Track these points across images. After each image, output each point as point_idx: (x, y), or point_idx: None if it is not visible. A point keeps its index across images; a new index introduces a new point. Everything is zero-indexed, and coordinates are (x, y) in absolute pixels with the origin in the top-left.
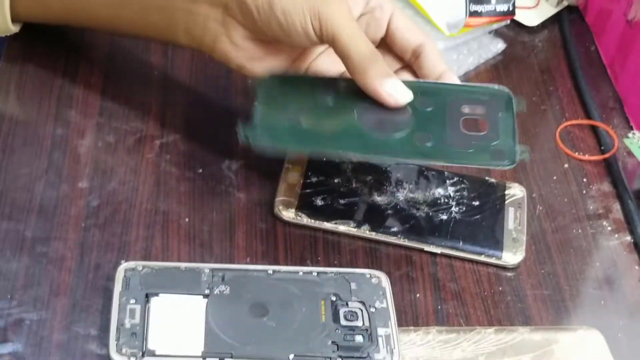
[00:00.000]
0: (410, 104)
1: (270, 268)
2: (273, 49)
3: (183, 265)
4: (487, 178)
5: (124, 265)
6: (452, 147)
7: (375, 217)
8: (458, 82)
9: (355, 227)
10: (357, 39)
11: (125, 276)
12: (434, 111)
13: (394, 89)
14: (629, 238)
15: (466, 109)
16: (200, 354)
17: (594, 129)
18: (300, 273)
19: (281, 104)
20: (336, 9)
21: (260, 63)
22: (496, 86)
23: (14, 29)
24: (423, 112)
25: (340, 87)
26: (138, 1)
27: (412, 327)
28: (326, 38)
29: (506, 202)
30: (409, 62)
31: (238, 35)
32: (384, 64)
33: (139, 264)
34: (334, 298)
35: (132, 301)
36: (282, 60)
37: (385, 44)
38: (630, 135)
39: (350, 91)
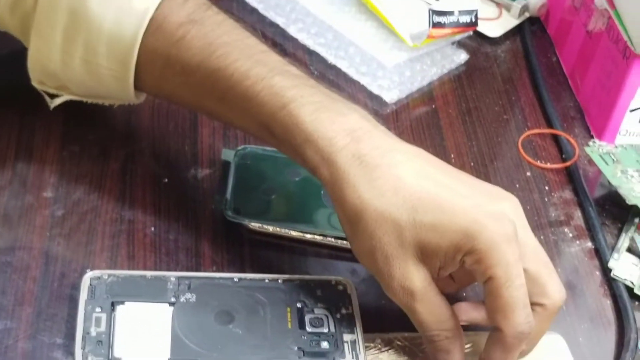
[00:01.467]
0: None
1: (236, 276)
2: None
3: (149, 273)
4: None
5: (90, 274)
6: None
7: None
8: None
9: (320, 235)
10: (434, 323)
11: (91, 285)
12: None
13: None
14: (589, 244)
15: None
16: None
17: (555, 138)
18: (266, 280)
19: (252, 177)
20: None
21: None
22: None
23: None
24: None
25: None
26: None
27: (377, 333)
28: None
29: None
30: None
31: None
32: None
33: (105, 273)
34: (299, 305)
35: (98, 309)
36: None
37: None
38: (590, 143)
39: None
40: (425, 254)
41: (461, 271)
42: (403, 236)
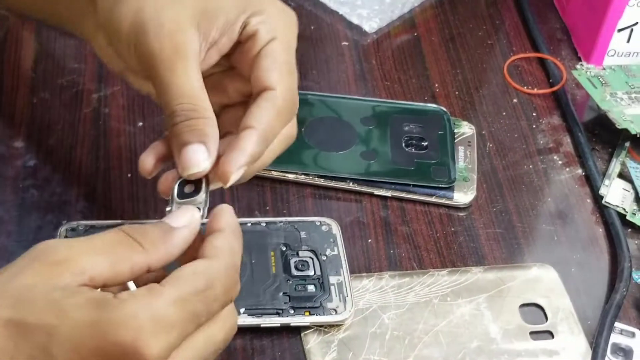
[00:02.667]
0: (354, 122)
1: None
2: None
3: (127, 222)
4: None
5: (66, 226)
6: (395, 164)
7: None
8: (251, 148)
9: (303, 175)
10: (180, 85)
11: (66, 237)
12: (378, 129)
13: (193, 156)
14: (580, 171)
15: (407, 127)
16: None
17: (542, 62)
18: (249, 224)
19: None
20: (161, 43)
21: (137, 78)
22: (434, 105)
23: None
24: (367, 131)
25: None
26: None
27: (364, 274)
28: (147, 76)
29: (455, 140)
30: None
31: (102, 40)
32: (204, 125)
33: (81, 224)
34: (283, 248)
35: None
36: None
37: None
38: (578, 66)
39: (299, 108)
40: (204, 17)
41: (235, 59)
42: None
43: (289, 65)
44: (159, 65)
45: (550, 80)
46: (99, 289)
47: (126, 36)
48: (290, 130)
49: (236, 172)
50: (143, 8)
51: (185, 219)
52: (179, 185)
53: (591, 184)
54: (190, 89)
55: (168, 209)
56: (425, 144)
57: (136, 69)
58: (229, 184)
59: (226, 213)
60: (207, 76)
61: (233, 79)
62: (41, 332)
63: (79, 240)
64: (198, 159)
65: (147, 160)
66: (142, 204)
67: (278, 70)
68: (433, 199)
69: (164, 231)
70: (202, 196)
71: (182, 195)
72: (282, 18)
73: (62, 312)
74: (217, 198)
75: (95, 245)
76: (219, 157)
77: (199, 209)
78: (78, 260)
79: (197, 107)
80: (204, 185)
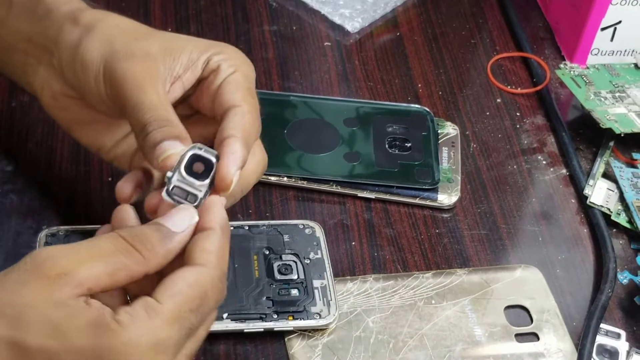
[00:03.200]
0: (337, 123)
1: None
2: (102, 114)
3: None
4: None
5: (46, 231)
6: (378, 166)
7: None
8: (240, 150)
9: (286, 177)
10: (152, 101)
11: (47, 242)
12: (361, 131)
13: (168, 146)
14: (564, 171)
15: (390, 129)
16: None
17: (525, 61)
18: (231, 228)
19: None
20: (130, 70)
21: (87, 131)
22: (417, 106)
23: None
24: (350, 132)
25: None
26: None
27: (348, 277)
28: (117, 104)
29: (439, 141)
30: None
31: (57, 86)
32: (179, 132)
33: (61, 229)
34: (267, 252)
35: None
36: (111, 131)
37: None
38: (562, 66)
39: (281, 110)
40: (168, 53)
41: (196, 98)
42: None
43: (251, 91)
44: (131, 85)
45: (534, 80)
46: (97, 301)
47: (96, 65)
48: (262, 155)
49: (235, 175)
50: (113, 41)
51: (184, 223)
52: (189, 159)
53: (576, 184)
54: (161, 105)
55: (169, 174)
56: (408, 145)
57: (97, 101)
58: (231, 188)
59: (218, 207)
60: None
61: (195, 124)
62: (42, 357)
63: (77, 249)
64: (174, 147)
65: (125, 187)
66: None
67: (242, 92)
68: (417, 201)
69: (163, 236)
70: (207, 182)
71: (189, 171)
72: (240, 57)
73: (63, 337)
74: None
75: (93, 254)
76: None
77: (196, 195)
78: (78, 272)
79: (169, 119)
80: (213, 172)
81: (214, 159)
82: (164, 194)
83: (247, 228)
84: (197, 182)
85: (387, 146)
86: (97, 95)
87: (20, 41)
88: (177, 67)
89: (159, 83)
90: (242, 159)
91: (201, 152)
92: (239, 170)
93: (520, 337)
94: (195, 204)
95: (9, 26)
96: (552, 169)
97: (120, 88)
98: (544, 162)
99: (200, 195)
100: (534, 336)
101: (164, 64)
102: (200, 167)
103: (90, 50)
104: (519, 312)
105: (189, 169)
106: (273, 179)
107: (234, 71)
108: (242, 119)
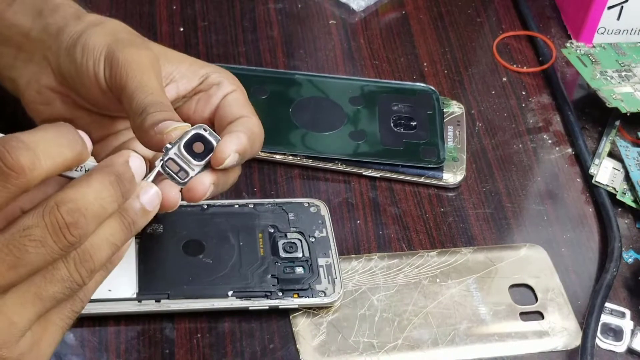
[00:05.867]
0: (343, 102)
1: (205, 203)
2: (83, 112)
3: None
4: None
5: None
6: (384, 145)
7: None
8: (244, 138)
9: (291, 156)
10: (154, 86)
11: None
12: (366, 109)
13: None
14: (570, 150)
15: (396, 107)
16: (134, 296)
17: (531, 40)
18: (236, 206)
19: None
20: (134, 55)
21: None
22: (423, 85)
23: None
24: (355, 111)
25: (277, 83)
26: None
27: (353, 255)
28: (115, 87)
29: (445, 120)
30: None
31: (46, 80)
32: (169, 114)
33: None
34: (271, 230)
35: None
36: (88, 132)
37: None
38: (568, 44)
39: (286, 88)
40: (166, 59)
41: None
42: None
43: (253, 111)
44: (134, 69)
45: (540, 59)
46: None
47: (99, 49)
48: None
49: (232, 154)
50: (117, 34)
51: (154, 202)
52: (192, 136)
53: (581, 163)
54: (162, 92)
55: (168, 146)
56: (414, 123)
57: (88, 88)
58: (224, 164)
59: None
60: None
61: None
62: None
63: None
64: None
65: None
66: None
67: (248, 108)
68: (422, 180)
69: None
70: (202, 163)
71: (189, 149)
72: (237, 81)
73: None
74: None
75: None
76: None
77: (187, 173)
78: None
79: (170, 107)
80: (210, 156)
81: (215, 143)
82: (157, 162)
83: (252, 206)
84: (193, 161)
85: (392, 125)
86: (90, 81)
87: (16, 35)
88: (174, 73)
89: (160, 75)
90: (244, 147)
91: (205, 134)
92: (237, 154)
93: (525, 315)
94: (184, 181)
95: (7, 19)
96: (557, 148)
97: (121, 70)
98: (550, 141)
99: (191, 173)
100: (539, 315)
101: (163, 65)
102: (200, 147)
103: (94, 35)
104: (523, 291)
105: (189, 147)
106: (278, 157)
107: (235, 89)
108: (250, 122)
